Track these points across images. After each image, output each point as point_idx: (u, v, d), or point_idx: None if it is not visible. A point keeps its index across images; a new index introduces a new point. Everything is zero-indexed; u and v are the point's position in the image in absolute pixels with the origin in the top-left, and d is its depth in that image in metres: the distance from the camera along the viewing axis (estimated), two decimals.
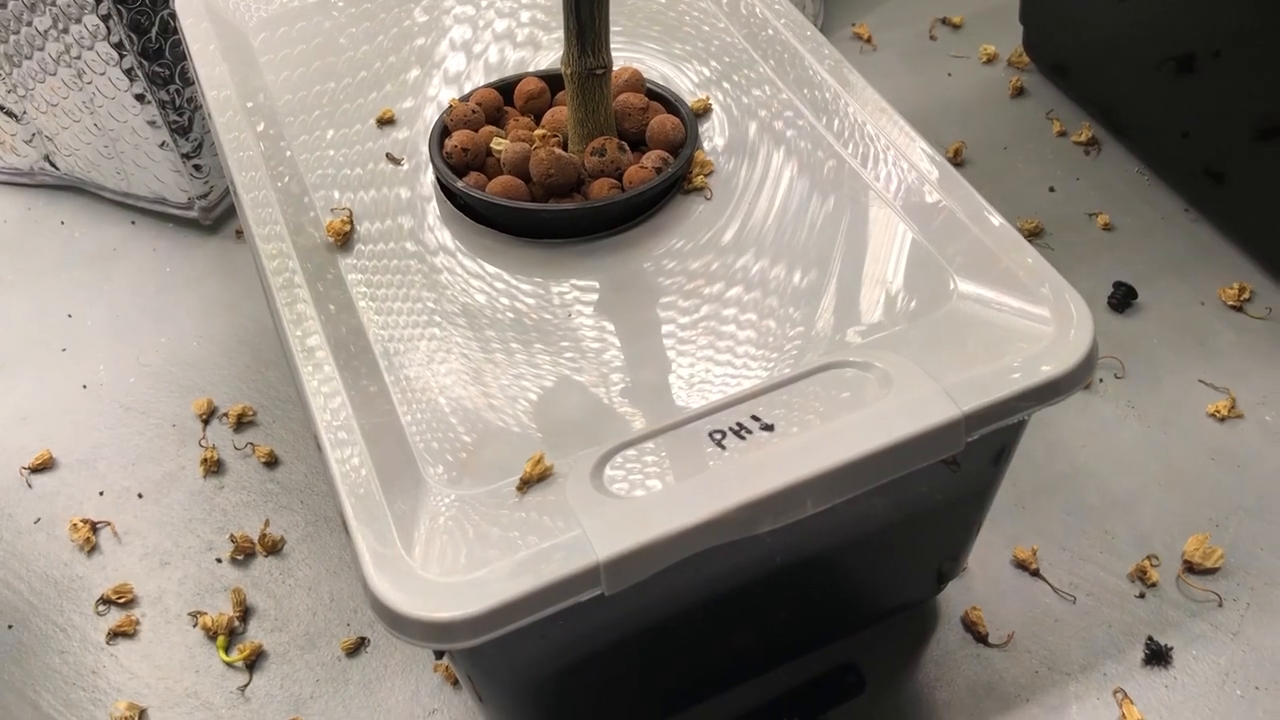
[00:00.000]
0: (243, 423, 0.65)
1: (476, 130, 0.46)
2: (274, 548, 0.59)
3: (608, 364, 0.38)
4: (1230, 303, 0.66)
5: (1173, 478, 0.58)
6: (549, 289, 0.41)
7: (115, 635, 0.57)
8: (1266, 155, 0.64)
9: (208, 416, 0.66)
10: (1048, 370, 0.37)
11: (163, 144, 0.72)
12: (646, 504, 0.33)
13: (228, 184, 0.50)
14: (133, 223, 0.79)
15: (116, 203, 0.79)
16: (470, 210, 0.44)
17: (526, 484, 0.34)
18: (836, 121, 0.47)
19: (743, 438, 0.35)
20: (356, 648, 0.55)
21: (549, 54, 0.52)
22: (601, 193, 0.43)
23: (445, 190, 0.44)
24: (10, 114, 0.76)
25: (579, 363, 0.39)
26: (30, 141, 0.77)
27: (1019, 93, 0.81)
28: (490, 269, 0.42)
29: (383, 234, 0.44)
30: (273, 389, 0.67)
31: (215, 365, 0.69)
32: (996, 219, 0.42)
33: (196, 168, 0.73)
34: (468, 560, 0.33)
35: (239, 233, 0.77)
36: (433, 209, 0.45)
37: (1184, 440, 0.60)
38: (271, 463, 0.63)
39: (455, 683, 0.53)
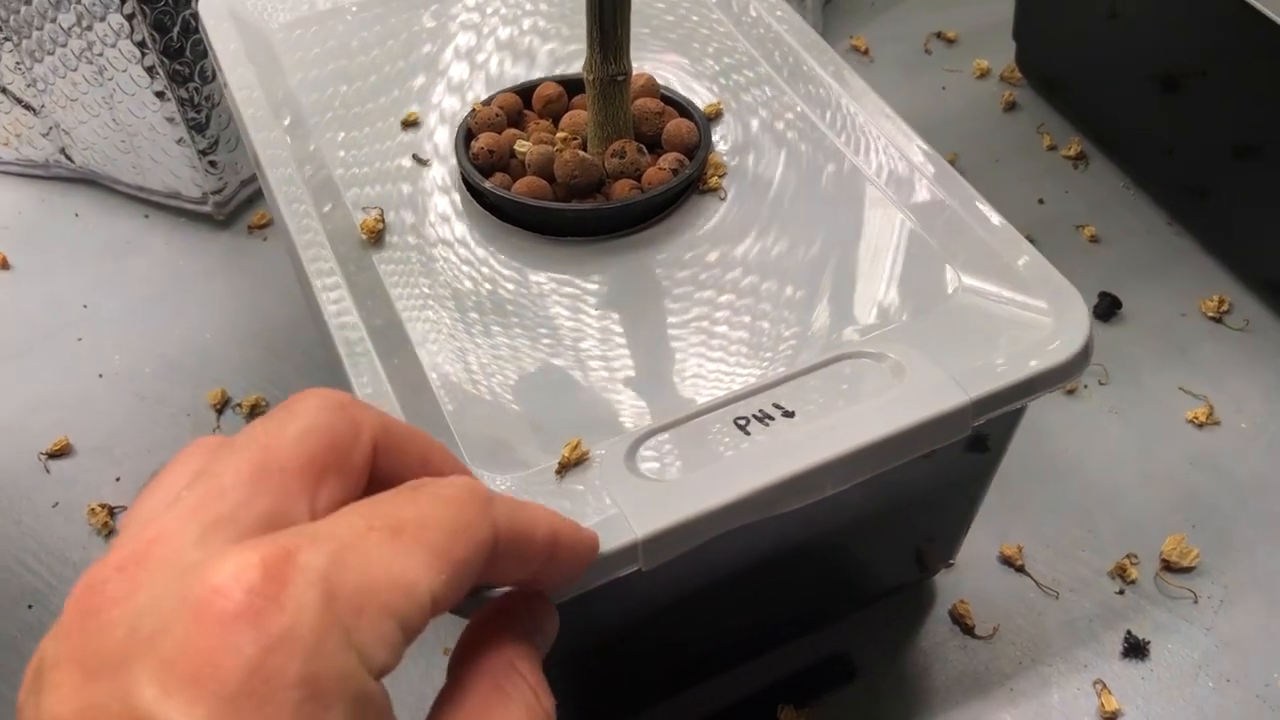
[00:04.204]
0: (256, 413, 0.67)
1: (500, 132, 0.48)
2: None
3: (631, 357, 0.41)
4: (1210, 314, 0.69)
5: (1153, 480, 0.61)
6: (575, 285, 0.43)
7: None
8: (1245, 172, 0.67)
9: (221, 406, 0.68)
10: (1048, 359, 0.39)
11: (180, 140, 0.74)
12: (680, 485, 0.35)
13: (259, 182, 0.52)
14: (146, 216, 0.80)
15: (130, 196, 0.81)
16: (496, 209, 0.46)
17: (565, 468, 0.36)
18: (841, 124, 0.50)
19: (766, 424, 0.37)
20: None
21: (552, 62, 0.54)
22: (623, 193, 0.45)
23: (472, 190, 0.47)
24: (29, 107, 0.78)
25: (604, 356, 0.41)
26: (47, 135, 0.79)
27: (1011, 107, 0.84)
28: (518, 266, 0.44)
29: (412, 232, 0.46)
30: (286, 380, 0.69)
31: (228, 357, 0.71)
32: (996, 218, 0.45)
33: (212, 164, 0.75)
34: None
35: (251, 228, 0.79)
36: (458, 208, 0.47)
37: (1164, 445, 0.63)
38: None
39: None
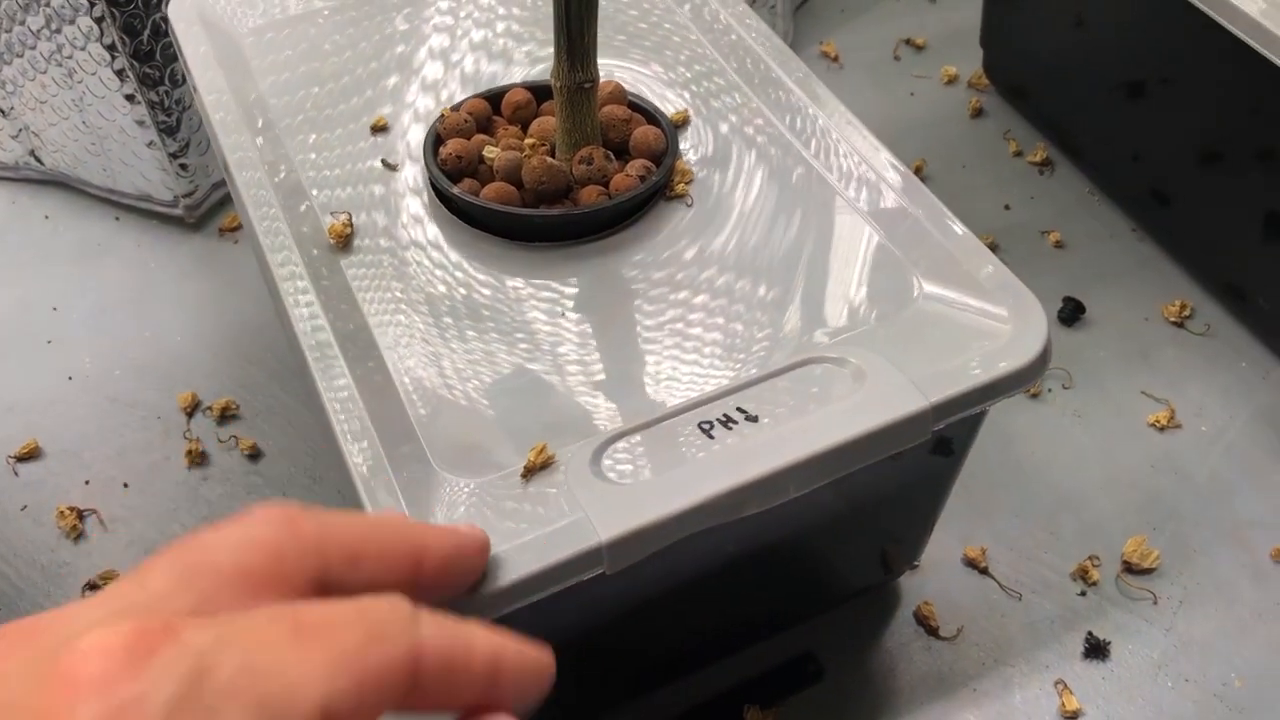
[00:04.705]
0: (226, 416, 0.67)
1: (468, 138, 0.48)
2: None
3: (598, 361, 0.41)
4: (1172, 319, 0.70)
5: (1115, 483, 0.62)
6: (541, 291, 0.44)
7: None
8: (1207, 178, 0.68)
9: (192, 409, 0.68)
10: (1006, 364, 0.40)
11: (150, 143, 0.74)
12: (643, 489, 0.36)
13: (228, 186, 0.52)
14: (117, 219, 0.80)
15: (101, 199, 0.81)
16: (464, 214, 0.46)
17: (530, 472, 0.37)
18: (807, 132, 0.50)
19: (729, 428, 0.38)
20: None
21: (526, 64, 0.55)
22: (590, 199, 0.46)
23: (440, 195, 0.47)
24: None
25: (572, 360, 0.41)
26: (16, 137, 0.79)
27: (978, 113, 0.85)
28: (486, 271, 0.45)
29: (380, 236, 0.46)
30: (256, 384, 0.69)
31: (199, 359, 0.71)
32: (959, 227, 0.45)
33: (183, 166, 0.75)
34: None
35: (222, 231, 0.79)
36: (426, 213, 0.47)
37: (1126, 448, 0.63)
38: (254, 455, 0.65)
39: None
